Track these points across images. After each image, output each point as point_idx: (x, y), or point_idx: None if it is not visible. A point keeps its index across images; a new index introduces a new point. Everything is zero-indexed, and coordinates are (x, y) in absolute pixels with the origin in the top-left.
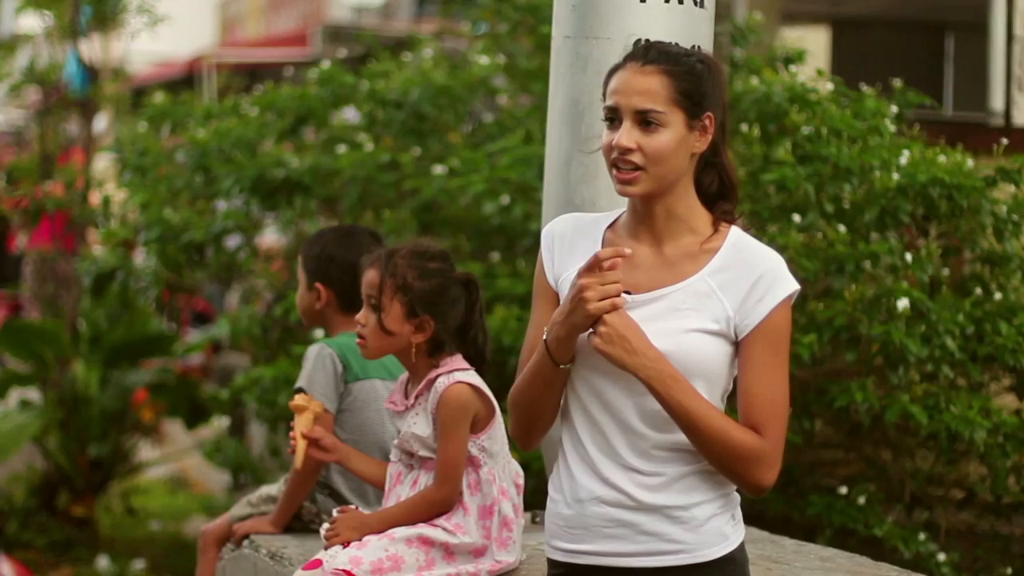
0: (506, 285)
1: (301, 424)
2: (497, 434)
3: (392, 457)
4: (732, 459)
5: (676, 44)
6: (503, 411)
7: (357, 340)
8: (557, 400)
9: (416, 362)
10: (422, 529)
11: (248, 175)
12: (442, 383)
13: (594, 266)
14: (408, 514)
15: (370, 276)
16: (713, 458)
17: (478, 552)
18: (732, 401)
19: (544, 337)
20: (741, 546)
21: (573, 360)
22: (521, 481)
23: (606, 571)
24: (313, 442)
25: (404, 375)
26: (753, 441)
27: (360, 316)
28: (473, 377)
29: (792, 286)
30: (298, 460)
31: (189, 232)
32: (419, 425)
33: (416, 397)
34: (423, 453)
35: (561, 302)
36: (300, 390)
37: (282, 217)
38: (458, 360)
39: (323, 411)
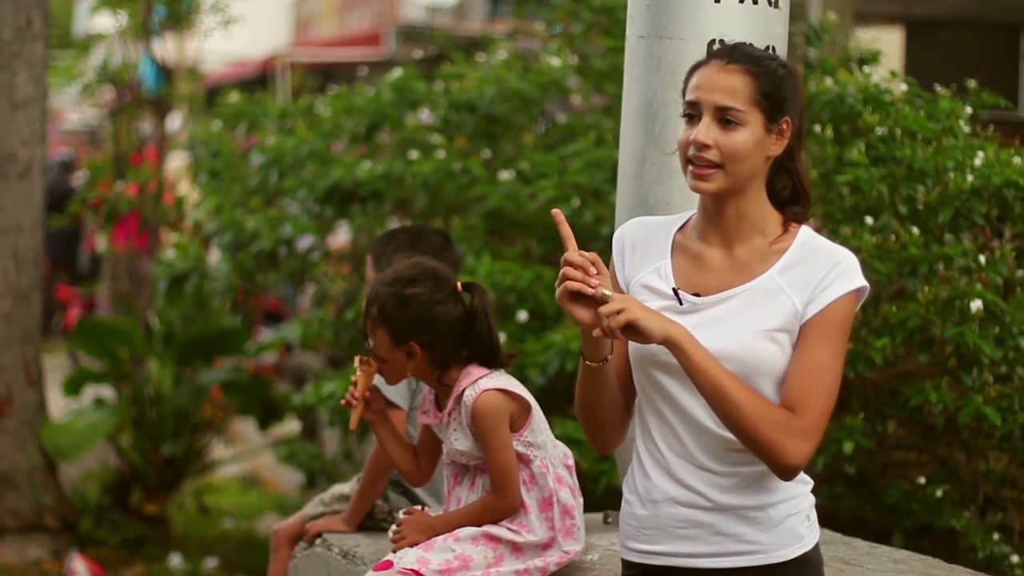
0: None
1: (363, 384)
2: (538, 425)
3: (445, 459)
4: (763, 435)
5: (752, 45)
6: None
7: None
8: (611, 402)
9: (429, 381)
10: (487, 527)
11: (321, 186)
12: (470, 396)
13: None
14: (472, 520)
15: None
16: (738, 426)
17: (545, 546)
18: None
19: None
20: (816, 547)
21: (605, 361)
22: (571, 462)
23: (680, 572)
24: (367, 403)
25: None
26: (784, 417)
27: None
28: (497, 380)
29: (860, 281)
30: (353, 420)
31: (259, 241)
32: (460, 440)
33: (449, 414)
34: (473, 463)
35: None
36: (375, 389)
37: (354, 222)
38: (475, 368)
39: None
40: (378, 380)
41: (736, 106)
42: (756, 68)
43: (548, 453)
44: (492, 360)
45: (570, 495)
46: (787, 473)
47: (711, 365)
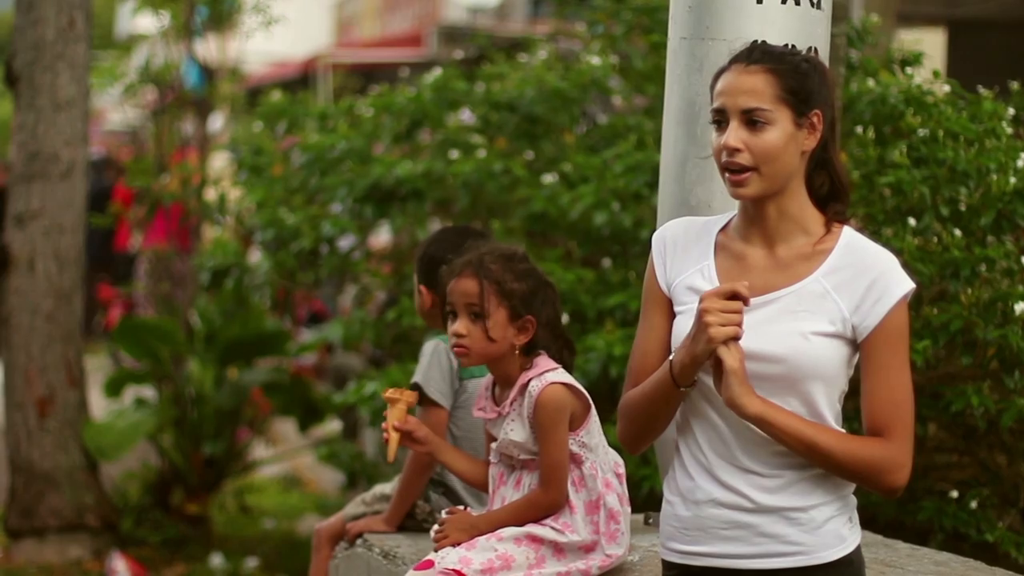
0: (621, 299)
1: (393, 416)
2: (594, 427)
3: (492, 458)
4: (862, 473)
5: (785, 45)
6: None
7: (456, 350)
8: (672, 414)
9: (510, 365)
10: (530, 528)
11: (361, 185)
12: (535, 386)
13: (726, 293)
14: (516, 518)
15: (466, 285)
16: (844, 475)
17: (588, 548)
18: (850, 402)
19: (670, 359)
20: (858, 549)
21: (695, 384)
22: (622, 470)
23: (722, 573)
24: (406, 434)
25: (487, 379)
26: (879, 451)
27: (459, 327)
28: (564, 375)
29: (908, 285)
30: (390, 453)
31: (299, 240)
32: (516, 431)
33: (511, 403)
34: (523, 457)
35: (674, 305)
36: (416, 386)
37: (395, 222)
38: (545, 360)
39: (415, 402)
40: (419, 376)
41: (761, 106)
42: (777, 65)
43: (600, 457)
44: (562, 354)
45: (617, 501)
46: (894, 495)
47: (799, 427)
